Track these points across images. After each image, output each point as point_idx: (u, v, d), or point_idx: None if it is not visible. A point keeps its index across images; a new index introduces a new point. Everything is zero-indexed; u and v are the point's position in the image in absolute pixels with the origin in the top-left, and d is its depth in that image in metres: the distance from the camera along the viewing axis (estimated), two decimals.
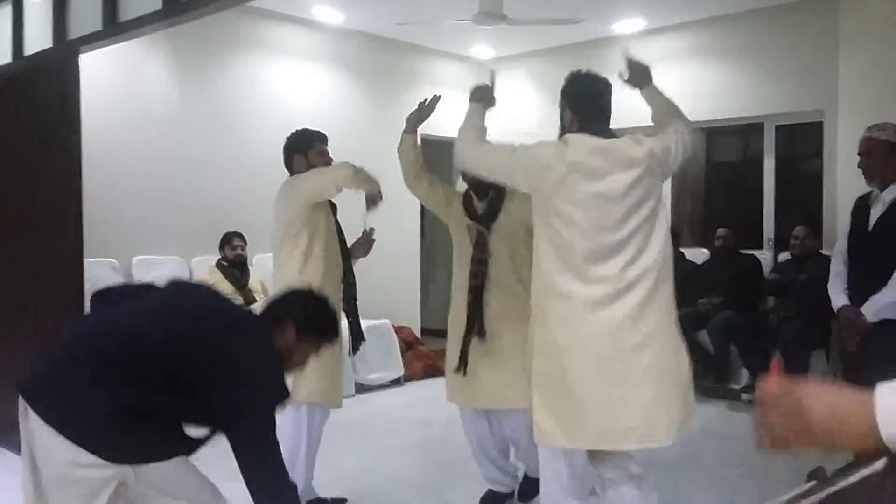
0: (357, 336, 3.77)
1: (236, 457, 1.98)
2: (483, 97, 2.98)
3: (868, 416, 0.87)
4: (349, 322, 3.71)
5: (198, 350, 1.98)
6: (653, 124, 2.91)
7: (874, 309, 3.20)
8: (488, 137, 2.85)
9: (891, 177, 3.29)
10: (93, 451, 1.89)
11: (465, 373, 3.31)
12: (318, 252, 3.38)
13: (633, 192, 2.49)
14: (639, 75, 2.96)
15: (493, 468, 3.58)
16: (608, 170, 2.49)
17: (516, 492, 3.65)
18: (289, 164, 3.57)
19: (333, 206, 3.62)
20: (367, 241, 3.78)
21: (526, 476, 3.64)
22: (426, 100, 3.40)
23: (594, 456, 2.69)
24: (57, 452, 1.92)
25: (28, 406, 1.96)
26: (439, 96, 3.41)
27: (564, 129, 2.72)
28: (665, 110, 2.91)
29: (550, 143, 2.63)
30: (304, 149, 3.52)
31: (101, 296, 2.26)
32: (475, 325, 3.30)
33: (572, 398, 2.50)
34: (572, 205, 2.48)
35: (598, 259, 2.47)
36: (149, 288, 2.27)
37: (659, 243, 2.52)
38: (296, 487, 2.43)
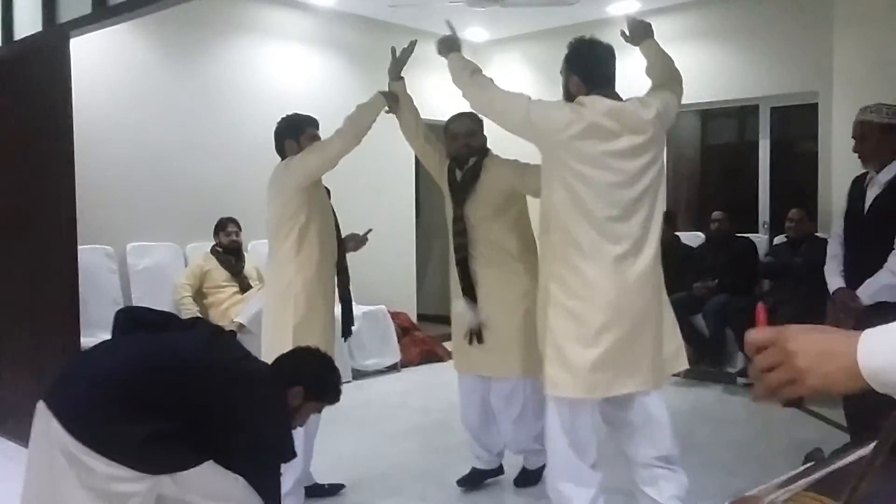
0: (349, 321, 3.77)
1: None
2: (453, 46, 3.11)
3: (850, 352, 0.89)
4: (343, 307, 3.69)
5: (223, 407, 2.17)
6: (647, 77, 3.04)
7: (869, 292, 3.20)
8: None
9: (886, 158, 3.28)
10: (131, 467, 2.05)
11: (480, 340, 3.38)
12: (312, 237, 3.34)
13: (644, 152, 2.63)
14: (640, 31, 3.03)
15: (473, 442, 3.65)
16: (621, 131, 2.60)
17: (514, 479, 3.69)
18: (280, 148, 3.52)
19: (327, 190, 3.59)
20: (359, 241, 3.75)
21: (524, 468, 3.68)
22: (403, 48, 3.47)
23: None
24: (96, 469, 2.04)
25: (61, 425, 2.05)
26: (415, 41, 3.48)
27: (570, 96, 2.77)
28: (660, 64, 3.02)
29: (565, 103, 2.72)
30: (297, 134, 3.47)
31: (130, 316, 2.44)
32: (471, 295, 3.39)
33: (595, 351, 2.59)
34: (587, 164, 2.58)
35: (620, 217, 2.59)
36: (174, 322, 2.49)
37: (662, 198, 2.72)
38: None
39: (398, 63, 3.49)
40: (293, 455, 2.31)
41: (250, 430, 2.19)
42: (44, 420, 2.11)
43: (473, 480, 3.66)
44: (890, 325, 0.90)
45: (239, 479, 2.22)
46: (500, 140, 3.39)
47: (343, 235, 3.68)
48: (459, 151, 3.46)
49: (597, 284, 2.58)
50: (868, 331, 0.90)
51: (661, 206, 2.71)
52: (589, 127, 2.57)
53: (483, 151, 3.48)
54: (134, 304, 5.01)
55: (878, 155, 3.30)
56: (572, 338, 2.62)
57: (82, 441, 2.03)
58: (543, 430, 3.49)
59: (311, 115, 3.57)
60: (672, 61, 3.02)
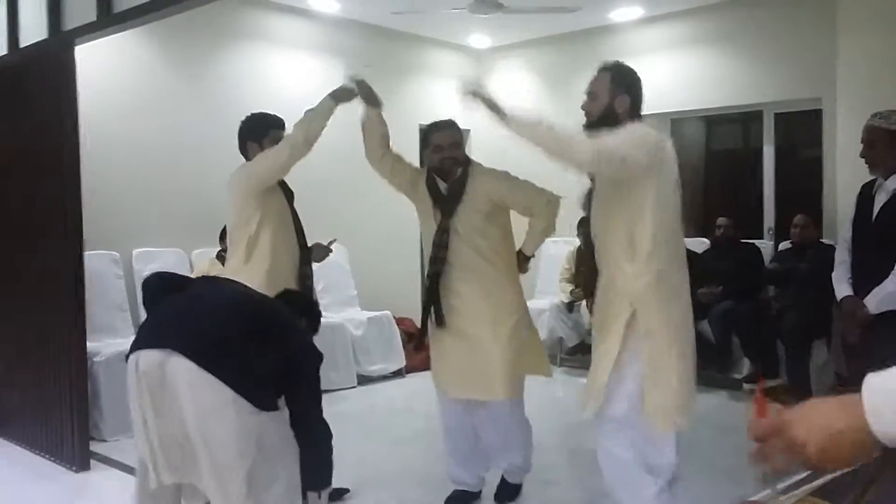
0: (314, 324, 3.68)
1: (297, 418, 2.48)
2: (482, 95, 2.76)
3: (860, 423, 0.86)
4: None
5: (278, 339, 2.48)
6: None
7: (876, 300, 3.17)
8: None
9: (893, 165, 3.26)
10: (249, 400, 2.28)
11: (421, 349, 3.45)
12: (263, 245, 3.30)
13: None
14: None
15: (457, 466, 3.52)
16: None
17: (494, 494, 3.59)
18: (243, 150, 3.46)
19: (290, 194, 3.53)
20: (323, 251, 3.70)
21: (504, 480, 3.59)
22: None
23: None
24: (219, 399, 2.25)
25: (194, 361, 2.25)
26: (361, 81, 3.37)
27: (613, 112, 2.73)
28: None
29: (647, 126, 2.72)
30: (259, 136, 3.42)
31: (163, 280, 2.63)
32: (431, 311, 3.36)
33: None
34: (674, 180, 2.68)
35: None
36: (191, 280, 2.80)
37: None
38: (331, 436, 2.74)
39: (371, 94, 3.36)
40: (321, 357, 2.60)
41: (298, 349, 2.52)
42: (158, 364, 2.26)
43: (461, 502, 3.53)
44: (889, 384, 0.87)
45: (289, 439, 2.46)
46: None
47: (331, 241, 3.68)
48: (444, 164, 3.33)
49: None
50: (867, 390, 0.87)
51: None
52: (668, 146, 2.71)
53: (466, 160, 3.39)
54: (127, 311, 5.03)
55: (885, 162, 3.29)
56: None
57: (216, 375, 2.24)
58: (526, 444, 3.48)
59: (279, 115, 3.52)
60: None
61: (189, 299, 2.52)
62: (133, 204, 5.43)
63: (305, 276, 3.50)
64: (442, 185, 3.37)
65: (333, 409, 3.59)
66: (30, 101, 4.38)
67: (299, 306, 2.86)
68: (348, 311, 6.27)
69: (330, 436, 2.68)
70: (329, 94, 3.39)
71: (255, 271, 3.25)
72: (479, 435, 3.48)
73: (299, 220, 3.54)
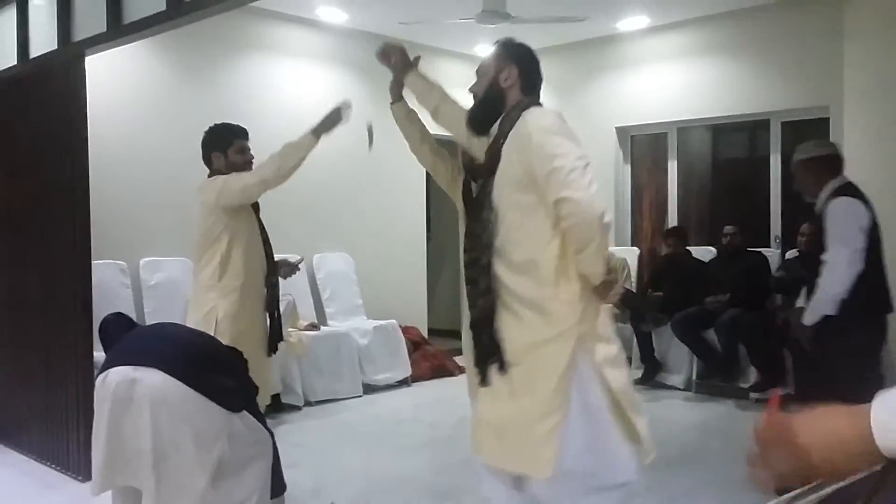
0: (277, 336, 3.57)
1: None
2: None
3: (865, 435, 0.86)
4: (271, 321, 3.54)
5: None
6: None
7: (811, 312, 3.38)
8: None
9: (814, 190, 3.51)
10: (217, 402, 2.43)
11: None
12: (236, 259, 3.31)
13: None
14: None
15: None
16: None
17: None
18: (207, 160, 3.46)
19: (256, 205, 3.54)
20: (290, 268, 3.72)
21: None
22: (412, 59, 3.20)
23: None
24: (189, 402, 2.39)
25: (163, 371, 2.39)
26: (419, 56, 3.23)
27: (497, 85, 2.41)
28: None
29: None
30: (224, 146, 3.42)
31: (121, 320, 2.77)
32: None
33: None
34: None
35: None
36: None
37: None
38: None
39: (399, 82, 3.29)
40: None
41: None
42: (130, 379, 2.39)
43: None
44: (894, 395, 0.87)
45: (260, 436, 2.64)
46: None
47: (299, 259, 3.75)
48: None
49: None
50: (876, 406, 0.87)
51: None
52: None
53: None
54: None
55: (809, 188, 3.56)
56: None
57: (190, 385, 2.38)
58: None
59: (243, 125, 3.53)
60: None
61: (147, 330, 2.73)
62: (141, 213, 5.46)
63: (273, 286, 3.52)
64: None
65: (338, 418, 3.60)
66: (39, 112, 4.40)
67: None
68: (354, 319, 6.27)
69: (275, 449, 2.79)
70: (311, 129, 3.36)
71: (230, 287, 3.29)
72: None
73: (265, 231, 3.55)
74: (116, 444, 2.41)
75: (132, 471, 2.42)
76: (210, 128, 3.51)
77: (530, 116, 2.28)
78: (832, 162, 3.55)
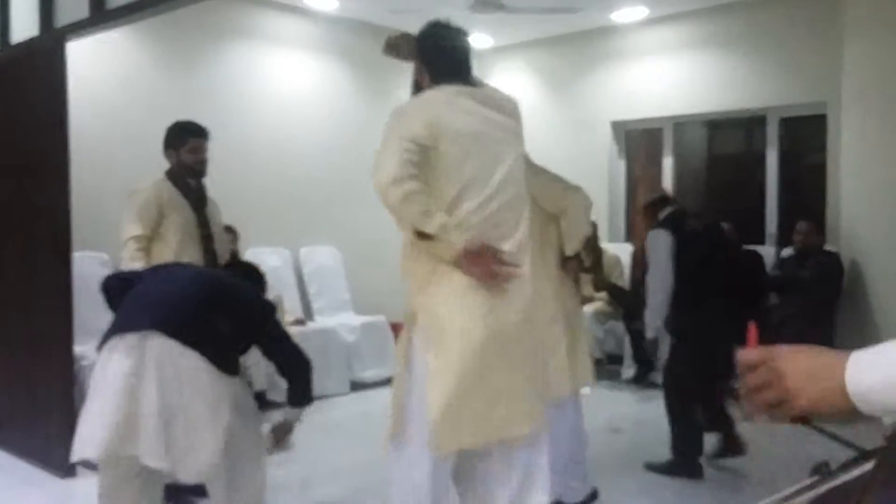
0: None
1: (274, 355, 2.79)
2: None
3: (838, 373, 0.89)
4: None
5: (234, 302, 2.76)
6: None
7: (648, 328, 3.95)
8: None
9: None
10: (218, 367, 2.51)
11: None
12: (167, 257, 3.40)
13: None
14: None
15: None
16: None
17: None
18: (165, 153, 3.56)
19: (200, 201, 3.58)
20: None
21: None
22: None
23: None
24: (194, 368, 2.47)
25: (169, 336, 2.46)
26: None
27: (419, 84, 2.57)
28: None
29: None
30: (178, 144, 3.45)
31: (122, 278, 2.88)
32: None
33: None
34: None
35: None
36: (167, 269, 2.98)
37: None
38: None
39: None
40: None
41: (255, 306, 2.80)
42: (136, 345, 2.44)
43: None
44: (879, 346, 0.89)
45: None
46: None
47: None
48: None
49: None
50: (857, 352, 0.90)
51: None
52: None
53: None
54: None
55: (647, 228, 4.07)
56: None
57: (197, 349, 2.46)
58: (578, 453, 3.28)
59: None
60: None
61: (149, 287, 2.72)
62: (122, 204, 5.33)
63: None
64: None
65: (326, 416, 3.53)
66: (20, 99, 4.30)
67: (243, 272, 3.10)
68: (341, 315, 6.19)
69: (308, 360, 2.86)
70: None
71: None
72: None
73: (208, 227, 3.60)
74: (129, 410, 2.41)
75: (139, 437, 2.42)
76: (172, 124, 3.55)
77: None
78: (658, 203, 4.18)
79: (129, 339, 2.47)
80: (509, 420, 2.34)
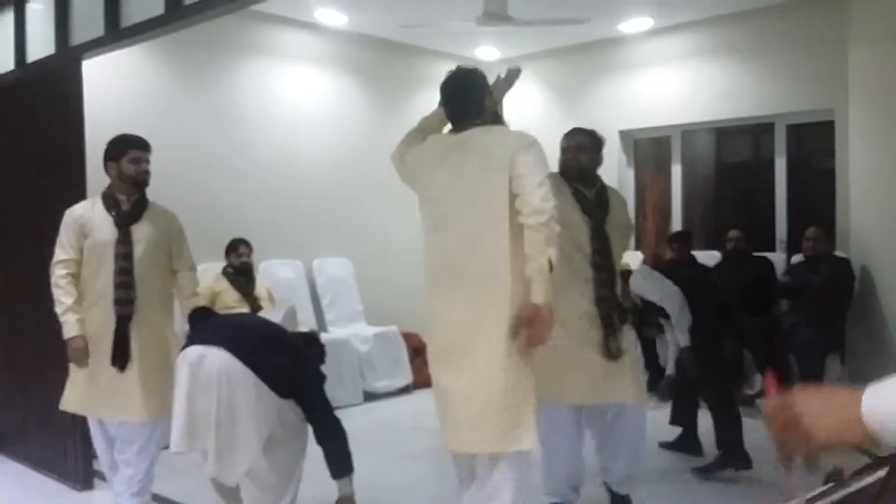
0: (119, 353, 3.42)
1: (313, 414, 3.09)
2: None
3: (852, 405, 0.92)
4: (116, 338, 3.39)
5: (291, 355, 3.09)
6: None
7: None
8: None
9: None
10: (268, 385, 2.88)
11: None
12: (87, 279, 3.34)
13: None
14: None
15: (555, 480, 3.44)
16: None
17: None
18: (105, 167, 3.43)
19: (126, 217, 3.41)
20: None
21: (613, 492, 3.51)
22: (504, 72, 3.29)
23: None
24: (244, 380, 2.83)
25: (227, 350, 2.85)
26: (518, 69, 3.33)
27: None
28: None
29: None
30: (118, 156, 3.37)
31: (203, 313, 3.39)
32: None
33: None
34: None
35: None
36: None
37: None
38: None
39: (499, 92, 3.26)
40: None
41: (307, 369, 3.15)
42: (200, 355, 2.84)
43: None
44: (892, 379, 0.92)
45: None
46: None
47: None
48: (568, 164, 3.37)
49: None
50: (872, 385, 0.93)
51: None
52: None
53: (597, 176, 3.47)
54: None
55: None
56: None
57: (252, 368, 2.83)
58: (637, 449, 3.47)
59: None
60: None
61: (224, 319, 3.38)
62: None
63: (122, 303, 3.34)
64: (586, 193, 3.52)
65: None
66: (37, 117, 4.37)
67: (304, 341, 3.38)
68: (354, 326, 6.22)
69: (344, 431, 3.15)
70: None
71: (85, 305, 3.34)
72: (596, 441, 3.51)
73: (128, 244, 3.37)
74: (192, 411, 2.81)
75: (203, 434, 2.81)
76: (113, 138, 3.47)
77: None
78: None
79: (197, 350, 2.87)
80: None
